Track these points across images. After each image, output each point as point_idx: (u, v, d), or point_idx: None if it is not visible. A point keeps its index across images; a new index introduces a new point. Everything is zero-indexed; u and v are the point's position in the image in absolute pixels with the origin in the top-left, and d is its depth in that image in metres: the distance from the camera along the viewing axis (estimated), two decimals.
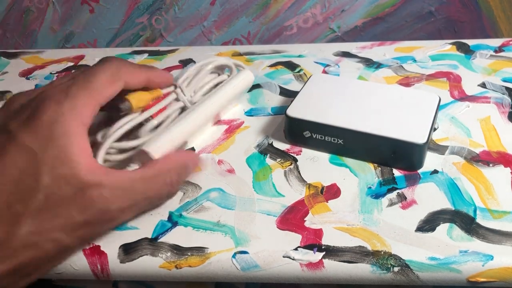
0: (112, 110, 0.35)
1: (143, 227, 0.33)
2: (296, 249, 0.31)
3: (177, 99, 0.38)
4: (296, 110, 0.39)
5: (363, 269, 0.30)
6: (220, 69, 0.43)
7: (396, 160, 0.36)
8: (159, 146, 0.34)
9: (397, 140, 0.35)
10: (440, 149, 0.38)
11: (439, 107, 0.39)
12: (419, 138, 0.35)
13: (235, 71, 0.44)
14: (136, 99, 0.35)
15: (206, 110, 0.39)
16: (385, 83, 0.47)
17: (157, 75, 0.36)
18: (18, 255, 0.26)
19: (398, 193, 0.35)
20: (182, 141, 0.37)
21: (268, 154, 0.39)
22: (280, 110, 0.44)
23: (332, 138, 0.38)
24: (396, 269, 0.30)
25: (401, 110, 0.38)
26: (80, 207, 0.27)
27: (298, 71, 0.51)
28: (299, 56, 0.53)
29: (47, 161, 0.26)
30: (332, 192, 0.35)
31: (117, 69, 0.32)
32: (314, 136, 0.38)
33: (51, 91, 0.29)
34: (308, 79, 0.43)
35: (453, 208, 0.33)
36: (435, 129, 0.40)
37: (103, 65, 0.32)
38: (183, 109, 0.39)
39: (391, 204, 0.34)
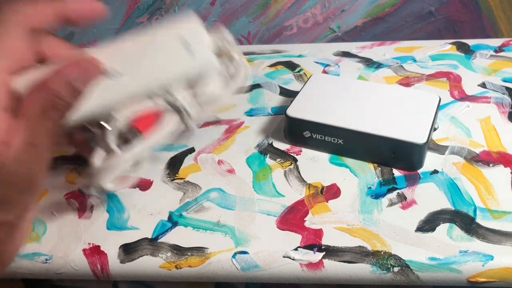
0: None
1: (143, 227, 0.33)
2: (296, 249, 0.31)
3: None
4: (296, 110, 0.39)
5: (363, 269, 0.30)
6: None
7: (396, 160, 0.36)
8: None
9: (397, 140, 0.35)
10: (440, 149, 0.38)
11: (439, 107, 0.39)
12: (419, 138, 0.35)
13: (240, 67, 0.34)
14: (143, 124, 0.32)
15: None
16: (385, 83, 0.47)
17: (73, 6, 0.28)
18: None
19: (398, 193, 0.35)
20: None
21: (268, 154, 0.39)
22: (280, 110, 0.44)
23: (332, 138, 0.38)
24: (396, 269, 0.30)
25: (401, 110, 0.38)
26: None
27: (298, 71, 0.51)
28: (299, 56, 0.53)
29: None
30: (332, 192, 0.35)
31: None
32: (314, 136, 0.38)
33: None
34: (308, 79, 0.43)
35: (453, 208, 0.33)
36: (435, 129, 0.40)
37: None
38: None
39: (391, 204, 0.34)
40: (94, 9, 0.30)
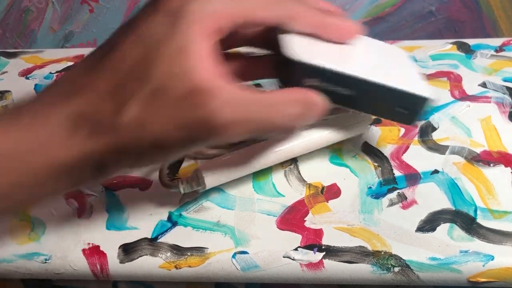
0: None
1: (142, 227, 0.33)
2: (296, 249, 0.31)
3: None
4: (301, 52, 0.28)
5: (364, 269, 0.30)
6: None
7: (405, 115, 0.32)
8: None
9: (415, 95, 0.31)
10: (440, 149, 0.38)
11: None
12: (427, 92, 0.31)
13: None
14: None
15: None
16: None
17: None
18: (117, 135, 0.25)
19: (398, 193, 0.35)
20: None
21: None
22: None
23: (341, 89, 0.30)
24: (396, 269, 0.30)
25: (393, 65, 0.34)
26: (184, 110, 0.25)
27: None
28: None
29: (165, 53, 0.24)
30: (332, 192, 0.35)
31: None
32: (320, 85, 0.29)
33: None
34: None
35: (454, 208, 0.33)
36: (435, 129, 0.40)
37: None
38: None
39: (392, 204, 0.34)
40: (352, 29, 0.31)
